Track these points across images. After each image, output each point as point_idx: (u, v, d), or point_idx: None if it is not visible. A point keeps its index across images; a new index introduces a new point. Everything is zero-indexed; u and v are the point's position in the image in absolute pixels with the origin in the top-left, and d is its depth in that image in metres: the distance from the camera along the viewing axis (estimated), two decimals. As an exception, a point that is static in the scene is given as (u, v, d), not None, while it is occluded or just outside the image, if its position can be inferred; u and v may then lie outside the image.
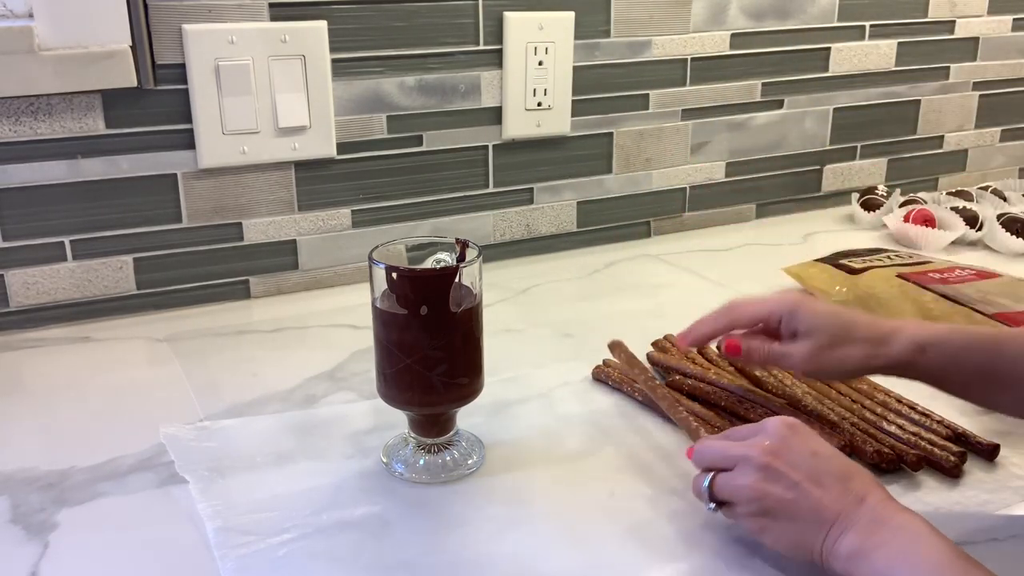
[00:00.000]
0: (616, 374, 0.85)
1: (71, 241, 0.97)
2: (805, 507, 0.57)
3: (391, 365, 0.69)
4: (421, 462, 0.72)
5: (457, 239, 0.72)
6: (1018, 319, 0.89)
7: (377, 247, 0.70)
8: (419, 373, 0.68)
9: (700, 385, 0.81)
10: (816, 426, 0.74)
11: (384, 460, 0.73)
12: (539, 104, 1.14)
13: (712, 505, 0.62)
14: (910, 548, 0.54)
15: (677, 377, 0.83)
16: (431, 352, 0.68)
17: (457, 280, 0.68)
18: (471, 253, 0.71)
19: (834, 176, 1.40)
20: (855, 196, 1.37)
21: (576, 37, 1.14)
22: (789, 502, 0.58)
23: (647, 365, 0.87)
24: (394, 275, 0.67)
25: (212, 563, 0.62)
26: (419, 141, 1.10)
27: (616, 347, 0.86)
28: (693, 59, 1.22)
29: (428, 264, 0.72)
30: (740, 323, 0.75)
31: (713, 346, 0.90)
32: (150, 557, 0.63)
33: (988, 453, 0.74)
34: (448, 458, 0.72)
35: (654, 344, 0.91)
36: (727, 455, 0.62)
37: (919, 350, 0.68)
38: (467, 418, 0.77)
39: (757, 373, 0.84)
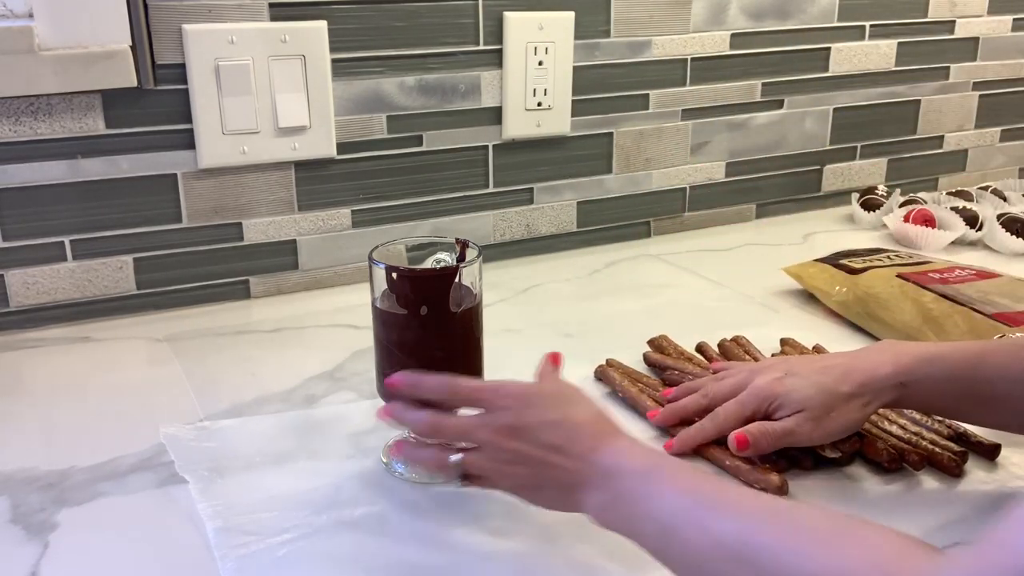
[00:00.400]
0: (618, 376, 0.84)
1: (71, 241, 0.97)
2: (551, 478, 0.60)
3: (391, 365, 0.69)
4: None
5: (457, 239, 0.72)
6: (1018, 319, 0.89)
7: (377, 247, 0.70)
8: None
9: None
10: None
11: (384, 460, 0.73)
12: (539, 104, 1.14)
13: (461, 482, 0.65)
14: (641, 489, 0.55)
15: (676, 373, 0.83)
16: (431, 352, 0.68)
17: (457, 280, 0.67)
18: (471, 253, 0.70)
19: (834, 176, 1.40)
20: (855, 196, 1.37)
21: (576, 37, 1.14)
22: (536, 477, 0.60)
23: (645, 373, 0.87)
24: (394, 275, 0.67)
25: (212, 563, 0.62)
26: (419, 141, 1.10)
27: (608, 368, 0.86)
28: (693, 59, 1.22)
29: (428, 264, 0.72)
30: (721, 423, 0.73)
31: (713, 345, 0.90)
32: (150, 557, 0.63)
33: (989, 453, 0.74)
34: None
35: (650, 343, 0.91)
36: (463, 430, 0.63)
37: (901, 387, 0.69)
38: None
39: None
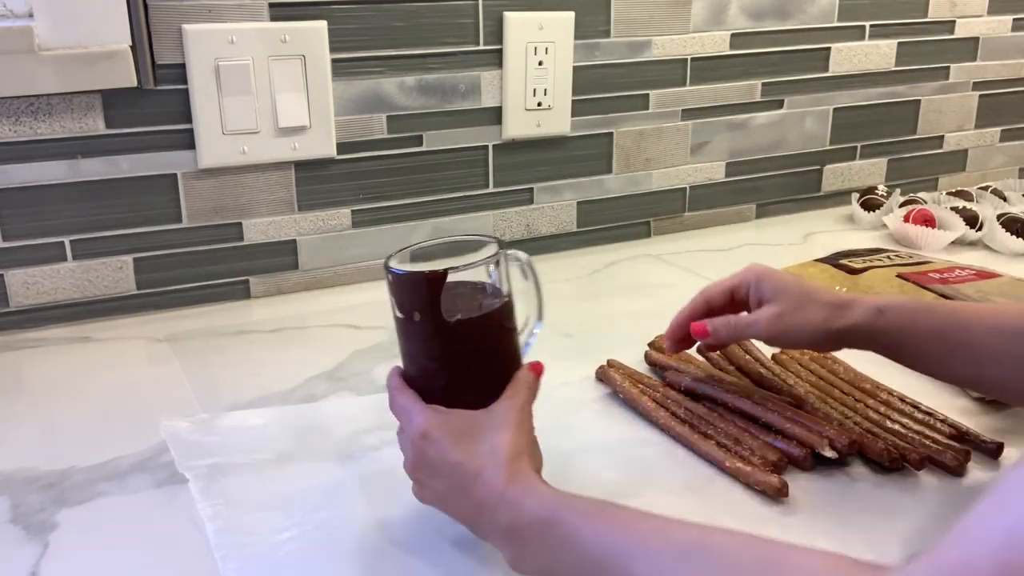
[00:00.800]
0: (619, 377, 0.84)
1: (71, 241, 0.97)
2: (454, 512, 0.59)
3: (404, 370, 0.65)
4: None
5: (497, 239, 0.66)
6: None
7: (408, 248, 0.65)
8: (422, 383, 0.64)
9: (698, 385, 0.81)
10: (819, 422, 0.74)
11: None
12: (539, 104, 1.13)
13: None
14: (547, 537, 0.53)
15: (676, 374, 0.83)
16: (427, 363, 0.63)
17: (460, 287, 0.62)
18: (482, 254, 0.64)
19: (834, 176, 1.40)
20: (855, 196, 1.37)
21: (576, 37, 1.14)
22: (447, 508, 0.60)
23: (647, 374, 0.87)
24: (390, 276, 0.63)
25: (212, 563, 0.62)
26: (419, 141, 1.10)
27: (609, 367, 0.86)
28: (693, 59, 1.22)
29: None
30: (713, 300, 0.76)
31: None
32: (150, 557, 0.63)
33: (992, 452, 0.73)
34: None
35: (651, 344, 0.91)
36: (402, 450, 0.63)
37: (877, 312, 0.69)
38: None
39: (762, 371, 0.84)
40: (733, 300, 0.76)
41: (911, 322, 0.69)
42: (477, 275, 0.63)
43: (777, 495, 0.67)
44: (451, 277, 0.61)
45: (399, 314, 0.63)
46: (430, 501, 0.61)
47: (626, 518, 0.53)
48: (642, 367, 0.88)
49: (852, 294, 0.73)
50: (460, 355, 0.63)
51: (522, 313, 0.67)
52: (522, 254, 0.67)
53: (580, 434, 0.78)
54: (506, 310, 0.64)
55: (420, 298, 0.61)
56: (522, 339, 0.67)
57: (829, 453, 0.71)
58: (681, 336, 0.78)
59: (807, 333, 0.71)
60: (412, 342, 0.63)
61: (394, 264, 0.63)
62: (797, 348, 0.78)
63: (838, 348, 0.74)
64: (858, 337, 0.71)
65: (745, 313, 0.75)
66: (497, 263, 0.63)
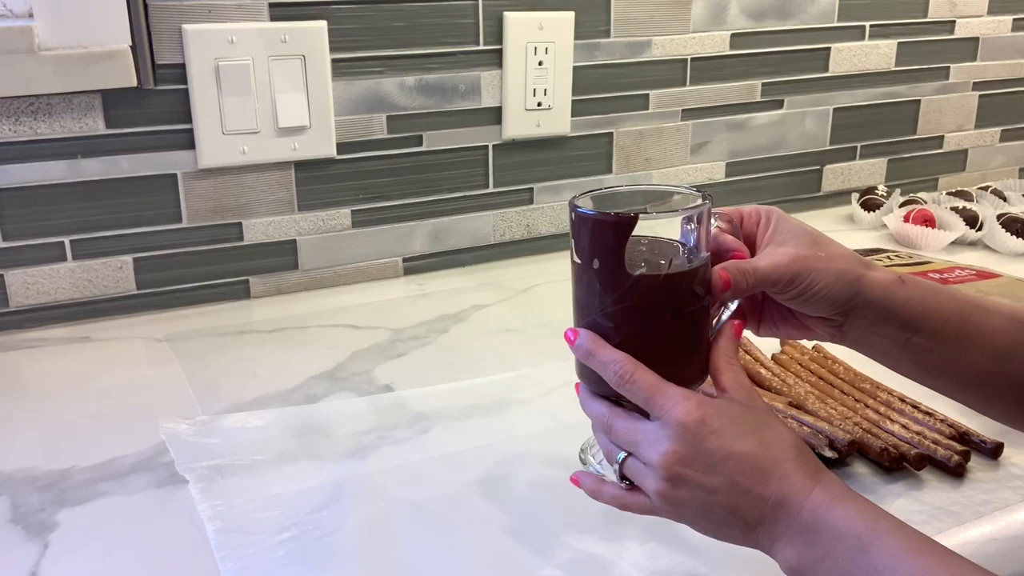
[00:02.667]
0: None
1: (71, 241, 0.97)
2: (724, 514, 0.52)
3: (576, 319, 0.59)
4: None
5: (703, 191, 0.59)
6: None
7: (605, 189, 0.60)
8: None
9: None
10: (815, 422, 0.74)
11: (581, 455, 0.64)
12: (539, 104, 1.13)
13: (625, 483, 0.56)
14: (856, 559, 0.48)
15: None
16: (599, 319, 0.56)
17: (643, 236, 0.55)
18: (685, 201, 0.57)
19: (834, 176, 1.40)
20: (855, 196, 1.37)
21: (576, 37, 1.14)
22: (705, 509, 0.53)
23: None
24: (573, 214, 0.56)
25: (212, 563, 0.62)
26: (419, 141, 1.10)
27: None
28: (693, 59, 1.22)
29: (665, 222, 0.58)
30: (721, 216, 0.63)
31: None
32: (150, 557, 0.63)
33: (992, 452, 0.74)
34: None
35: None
36: (632, 442, 0.55)
37: (899, 281, 0.61)
38: (466, 419, 0.77)
39: (762, 371, 0.84)
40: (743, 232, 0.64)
41: (934, 298, 0.62)
42: (672, 229, 0.57)
43: None
44: (644, 229, 0.55)
45: (576, 259, 0.56)
46: (691, 503, 0.53)
47: (955, 568, 0.47)
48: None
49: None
50: (637, 315, 0.56)
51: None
52: (732, 213, 0.61)
53: (581, 435, 0.78)
54: (701, 273, 0.56)
55: (603, 244, 0.55)
56: (715, 313, 0.60)
57: (829, 453, 0.71)
58: None
59: (828, 284, 0.60)
60: (587, 293, 0.57)
61: (580, 203, 0.57)
62: (808, 308, 0.62)
63: (846, 319, 0.62)
64: (874, 305, 0.61)
65: (756, 256, 0.62)
66: (698, 219, 0.56)
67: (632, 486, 0.56)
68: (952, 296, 0.63)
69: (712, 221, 0.58)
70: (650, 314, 0.56)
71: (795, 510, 0.50)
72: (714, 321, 0.59)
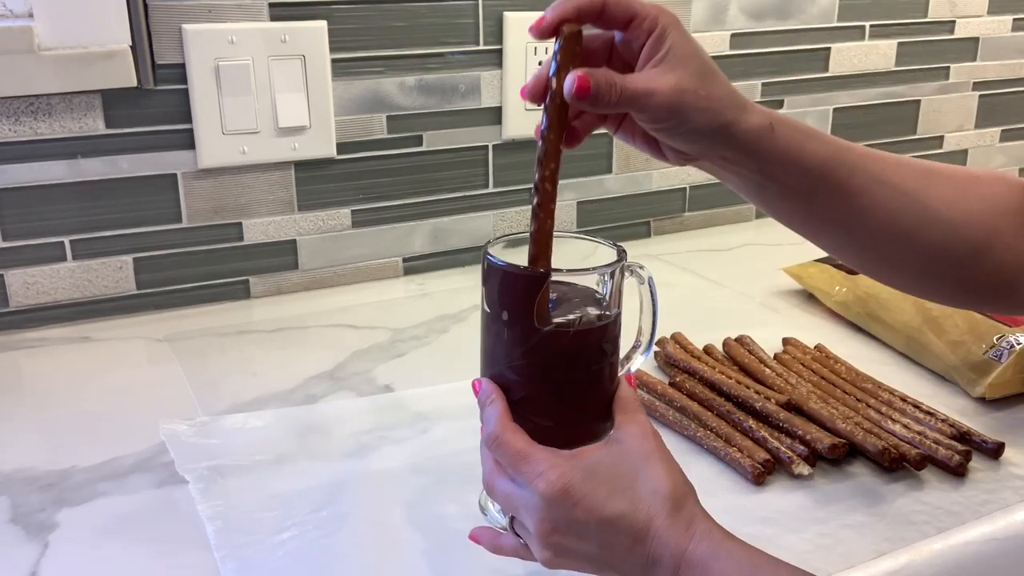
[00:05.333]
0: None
1: (71, 241, 0.97)
2: (611, 571, 0.52)
3: (482, 368, 0.58)
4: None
5: (619, 246, 0.58)
6: (1018, 320, 0.88)
7: (514, 235, 0.58)
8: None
9: (699, 387, 0.81)
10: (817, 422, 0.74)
11: (481, 502, 0.64)
12: (539, 104, 1.13)
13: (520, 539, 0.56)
14: None
15: (678, 379, 0.83)
16: (505, 371, 0.55)
17: (564, 291, 0.55)
18: (601, 255, 0.57)
19: (834, 176, 1.40)
20: (855, 196, 1.37)
21: (576, 37, 1.13)
22: (592, 568, 0.52)
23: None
24: (485, 263, 0.55)
25: (212, 563, 0.62)
26: (419, 141, 1.10)
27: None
28: (693, 59, 1.22)
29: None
30: (589, 17, 0.59)
31: (719, 346, 0.90)
32: (150, 557, 0.63)
33: (992, 452, 0.74)
34: None
35: (658, 342, 0.91)
36: (512, 507, 0.54)
37: (769, 128, 0.57)
38: (465, 419, 0.77)
39: (764, 370, 0.84)
40: (623, 35, 0.59)
41: (798, 148, 0.58)
42: (586, 283, 0.56)
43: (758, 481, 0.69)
44: (556, 279, 0.54)
45: (487, 308, 0.56)
46: (576, 568, 0.52)
47: None
48: (644, 367, 0.88)
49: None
50: (544, 369, 0.55)
51: (626, 336, 0.59)
52: (646, 269, 0.60)
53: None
54: (611, 330, 0.56)
55: (513, 296, 0.54)
56: (621, 367, 0.59)
57: (804, 470, 0.70)
58: (552, 24, 0.60)
59: (697, 127, 0.56)
60: (495, 343, 0.56)
61: (493, 252, 0.56)
62: (665, 138, 0.59)
63: (703, 157, 0.60)
64: (734, 150, 0.58)
65: (638, 76, 0.56)
66: (612, 274, 0.56)
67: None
68: (821, 148, 0.59)
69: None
70: (557, 369, 0.54)
71: (671, 570, 0.49)
72: (621, 372, 0.59)
